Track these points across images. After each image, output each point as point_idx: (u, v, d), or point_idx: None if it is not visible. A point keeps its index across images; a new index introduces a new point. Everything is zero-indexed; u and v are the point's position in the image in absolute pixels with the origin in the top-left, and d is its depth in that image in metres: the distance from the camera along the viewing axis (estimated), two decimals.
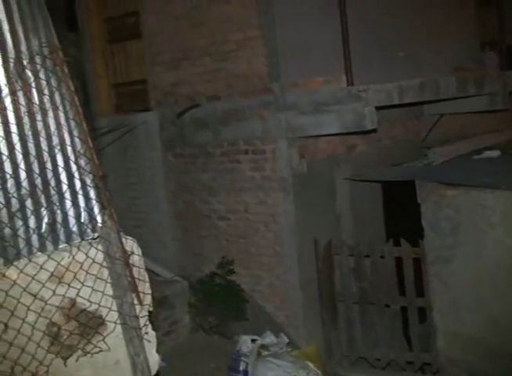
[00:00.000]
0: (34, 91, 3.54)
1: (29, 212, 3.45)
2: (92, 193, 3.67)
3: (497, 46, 8.73)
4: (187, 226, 7.89)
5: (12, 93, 3.45)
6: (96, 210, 3.67)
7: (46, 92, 3.57)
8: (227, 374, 6.58)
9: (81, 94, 7.83)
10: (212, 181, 7.49)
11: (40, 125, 3.53)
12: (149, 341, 3.97)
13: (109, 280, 3.57)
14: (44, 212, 3.51)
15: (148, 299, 4.00)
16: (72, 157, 3.62)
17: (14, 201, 3.41)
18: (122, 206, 7.73)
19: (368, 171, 7.56)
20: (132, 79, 8.44)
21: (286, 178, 6.88)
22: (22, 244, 3.42)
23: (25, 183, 3.45)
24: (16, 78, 3.48)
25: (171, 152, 7.85)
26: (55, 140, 3.58)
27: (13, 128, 3.44)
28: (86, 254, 3.50)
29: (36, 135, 3.51)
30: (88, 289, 3.49)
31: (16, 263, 3.36)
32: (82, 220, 3.62)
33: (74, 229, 3.60)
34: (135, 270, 3.90)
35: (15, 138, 3.44)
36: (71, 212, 3.59)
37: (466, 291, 6.49)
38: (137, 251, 3.95)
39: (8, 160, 3.40)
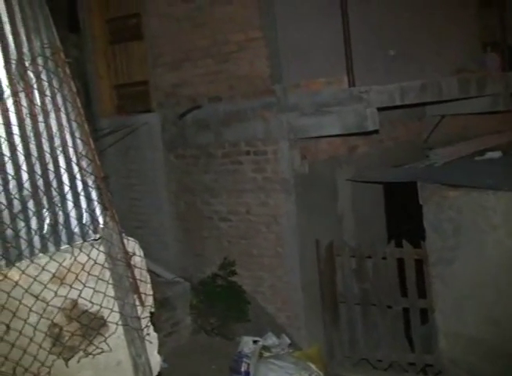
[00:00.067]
0: (36, 92, 3.54)
1: (31, 213, 3.45)
2: (94, 195, 3.67)
3: (499, 47, 8.73)
4: (189, 227, 7.89)
5: (14, 94, 3.45)
6: (98, 211, 3.66)
7: (48, 93, 3.57)
8: (228, 375, 6.58)
9: (83, 95, 7.82)
10: (214, 182, 7.49)
11: (42, 126, 3.53)
12: (150, 343, 3.96)
13: (110, 281, 3.57)
14: (46, 213, 3.50)
15: (149, 300, 4.00)
16: (74, 159, 3.62)
17: (16, 202, 3.41)
18: (124, 207, 7.73)
19: (370, 173, 7.56)
20: (134, 80, 8.44)
21: (288, 180, 6.88)
22: (24, 245, 3.42)
23: (27, 184, 3.45)
24: (18, 80, 3.48)
25: (173, 153, 7.85)
26: (57, 141, 3.58)
27: (15, 130, 3.44)
28: (88, 255, 3.50)
29: (38, 136, 3.51)
30: (89, 290, 3.49)
31: (17, 264, 3.36)
32: (84, 221, 3.62)
33: (76, 230, 3.60)
34: (136, 271, 3.90)
35: (17, 139, 3.44)
36: (73, 213, 3.59)
37: (468, 292, 6.49)
38: (138, 252, 3.94)
39: (10, 161, 3.40)
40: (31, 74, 3.53)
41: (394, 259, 6.83)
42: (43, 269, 3.37)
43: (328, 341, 7.14)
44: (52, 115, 3.57)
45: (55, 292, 3.40)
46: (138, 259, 3.93)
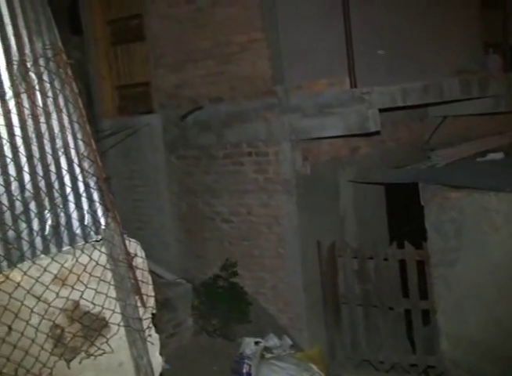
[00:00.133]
0: (38, 93, 3.54)
1: (33, 215, 3.45)
2: (96, 196, 3.67)
3: (501, 48, 8.74)
4: (190, 228, 7.89)
5: (16, 96, 3.45)
6: (100, 212, 3.66)
7: (50, 94, 3.58)
8: None
9: (85, 96, 7.83)
10: (215, 183, 7.49)
11: (43, 128, 3.53)
12: (152, 344, 3.96)
13: (112, 283, 3.57)
14: (47, 215, 3.51)
15: (151, 301, 4.00)
16: (75, 160, 3.62)
17: (18, 204, 3.41)
18: (125, 208, 7.74)
19: (371, 174, 7.56)
20: (136, 81, 8.45)
21: (290, 181, 6.88)
22: (26, 246, 3.42)
23: (29, 186, 3.45)
24: (20, 81, 3.48)
25: (175, 154, 7.86)
26: (59, 142, 3.58)
27: (17, 131, 3.44)
28: (89, 256, 3.50)
29: (40, 137, 3.52)
30: (91, 291, 3.49)
31: (19, 265, 3.36)
32: (86, 222, 3.62)
33: (78, 231, 3.60)
34: (138, 272, 3.90)
35: (18, 140, 3.44)
36: (75, 215, 3.59)
37: (469, 294, 6.48)
38: (140, 253, 3.95)
39: (12, 162, 3.40)
40: (33, 76, 3.53)
41: (396, 260, 6.83)
42: (45, 270, 3.38)
43: (330, 342, 7.13)
44: (54, 116, 3.58)
45: (57, 293, 3.40)
46: (140, 260, 3.93)
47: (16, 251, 3.38)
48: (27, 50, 3.53)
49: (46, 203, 3.51)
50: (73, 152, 3.62)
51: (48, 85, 3.57)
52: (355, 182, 7.52)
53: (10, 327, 3.30)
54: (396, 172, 7.59)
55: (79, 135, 3.65)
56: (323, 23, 6.79)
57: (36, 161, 3.49)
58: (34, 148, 3.50)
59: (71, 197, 3.58)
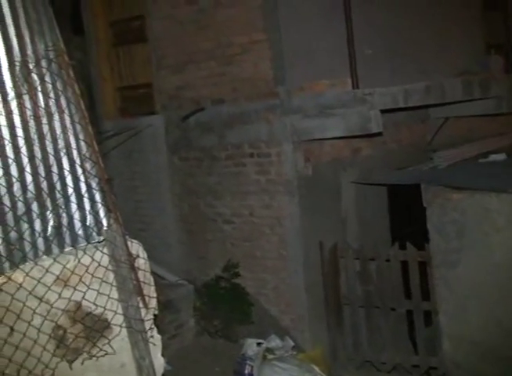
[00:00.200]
0: (40, 94, 3.55)
1: (35, 215, 3.46)
2: (98, 197, 3.67)
3: (503, 49, 8.73)
4: (192, 230, 7.89)
5: (18, 97, 3.46)
6: (102, 213, 3.67)
7: (52, 95, 3.59)
8: None
9: (87, 97, 7.85)
10: (217, 184, 7.49)
11: (45, 129, 3.54)
12: (154, 345, 3.97)
13: (114, 284, 3.57)
14: (49, 215, 3.51)
15: (153, 303, 4.00)
16: (77, 161, 3.63)
17: (20, 205, 3.42)
18: (127, 209, 7.73)
19: (373, 175, 7.56)
20: (137, 82, 8.45)
21: (292, 182, 6.88)
22: (28, 247, 3.43)
23: (31, 187, 3.46)
24: (22, 82, 3.49)
25: (177, 155, 7.86)
26: (61, 144, 3.59)
27: (19, 132, 3.45)
28: (92, 257, 3.51)
29: (42, 138, 3.52)
30: (93, 292, 3.49)
31: (21, 266, 3.37)
32: (88, 223, 3.63)
33: (80, 232, 3.61)
34: (140, 273, 3.90)
35: (21, 141, 3.45)
36: (77, 215, 3.60)
37: (471, 295, 6.47)
38: (142, 254, 3.95)
39: (14, 163, 3.41)
40: (35, 77, 3.54)
41: (398, 261, 6.83)
42: (47, 271, 3.38)
43: (332, 343, 7.13)
44: (56, 117, 3.59)
45: (59, 294, 3.41)
46: (142, 261, 3.93)
47: (18, 251, 3.39)
48: (29, 51, 3.54)
49: (48, 204, 3.51)
50: (75, 153, 3.63)
51: (50, 86, 3.58)
52: (357, 183, 7.52)
53: (12, 328, 3.30)
54: (398, 173, 7.58)
55: (81, 136, 3.66)
56: (325, 23, 6.79)
57: (38, 162, 3.50)
58: (36, 149, 3.50)
59: (73, 198, 3.59)
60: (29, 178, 3.46)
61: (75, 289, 3.44)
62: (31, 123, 3.49)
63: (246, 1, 6.87)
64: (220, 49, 7.17)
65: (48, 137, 3.54)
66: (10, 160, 3.40)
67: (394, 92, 6.64)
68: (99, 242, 3.62)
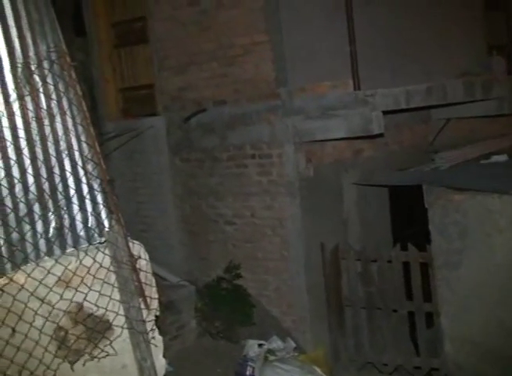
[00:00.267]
0: (42, 96, 3.55)
1: (36, 217, 3.46)
2: (100, 198, 3.68)
3: (504, 50, 8.73)
4: (194, 231, 7.89)
5: (20, 98, 3.46)
6: (103, 214, 3.67)
7: (54, 96, 3.59)
8: None
9: (89, 99, 7.85)
10: (219, 185, 7.49)
11: (47, 130, 3.54)
12: (155, 346, 3.96)
13: (116, 285, 3.58)
14: (51, 217, 3.51)
15: (155, 304, 4.00)
16: (79, 162, 3.63)
17: (22, 206, 3.42)
18: (129, 210, 7.74)
19: (375, 176, 7.55)
20: (139, 84, 8.45)
21: (293, 183, 6.88)
22: (29, 248, 3.43)
23: (33, 188, 3.46)
24: (24, 83, 3.49)
25: (178, 156, 7.86)
26: (63, 145, 3.59)
27: (21, 133, 3.45)
28: (93, 258, 3.51)
29: (43, 139, 3.53)
30: (95, 293, 3.49)
31: (23, 267, 3.37)
32: (89, 225, 3.63)
33: (82, 233, 3.61)
34: (141, 275, 3.90)
35: (22, 143, 3.45)
36: (78, 217, 3.60)
37: (473, 296, 6.46)
38: (144, 255, 3.95)
39: (15, 164, 3.41)
40: (37, 78, 3.54)
41: (400, 263, 6.82)
42: (49, 272, 3.39)
43: (333, 344, 7.12)
44: (58, 119, 3.59)
45: (61, 295, 3.41)
46: (144, 262, 3.93)
47: (19, 253, 3.39)
48: (31, 52, 3.55)
49: (50, 205, 3.52)
50: (77, 154, 3.63)
51: (52, 88, 3.58)
52: (359, 184, 7.52)
53: (14, 329, 3.31)
54: (400, 175, 7.58)
55: (83, 138, 3.66)
56: (326, 25, 6.79)
57: (40, 163, 3.50)
58: (38, 150, 3.51)
59: (75, 199, 3.59)
60: (31, 179, 3.46)
61: (77, 290, 3.45)
62: (33, 124, 3.50)
63: (248, 3, 6.88)
64: (222, 50, 7.17)
65: (50, 138, 3.55)
66: (12, 162, 3.40)
67: (395, 94, 6.63)
68: (100, 243, 3.62)
